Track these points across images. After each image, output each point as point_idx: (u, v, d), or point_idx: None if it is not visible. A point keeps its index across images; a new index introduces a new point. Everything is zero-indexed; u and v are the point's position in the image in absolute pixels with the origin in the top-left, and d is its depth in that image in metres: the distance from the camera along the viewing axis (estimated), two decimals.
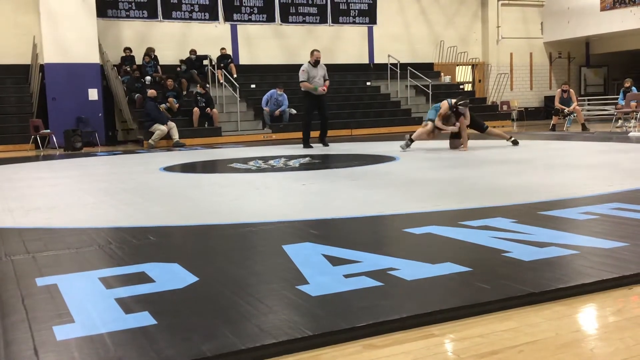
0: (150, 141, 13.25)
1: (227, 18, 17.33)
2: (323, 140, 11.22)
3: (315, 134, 11.24)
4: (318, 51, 11.17)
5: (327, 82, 11.15)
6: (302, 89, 11.04)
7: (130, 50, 15.78)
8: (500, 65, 21.02)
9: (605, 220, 3.44)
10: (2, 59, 15.00)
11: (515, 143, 9.34)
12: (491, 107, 18.72)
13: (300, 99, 16.42)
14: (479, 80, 21.13)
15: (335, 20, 18.59)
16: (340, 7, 18.60)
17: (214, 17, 17.14)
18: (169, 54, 16.42)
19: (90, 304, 2.23)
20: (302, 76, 10.91)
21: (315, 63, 10.94)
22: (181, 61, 16.19)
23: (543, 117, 20.43)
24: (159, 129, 13.32)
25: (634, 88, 14.83)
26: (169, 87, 14.82)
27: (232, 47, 17.39)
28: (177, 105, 14.70)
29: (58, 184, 6.54)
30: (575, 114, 14.04)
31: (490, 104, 19.15)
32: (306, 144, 10.97)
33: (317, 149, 10.45)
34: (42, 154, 12.56)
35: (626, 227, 3.24)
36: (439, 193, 4.80)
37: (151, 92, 13.78)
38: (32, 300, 2.30)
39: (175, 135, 13.53)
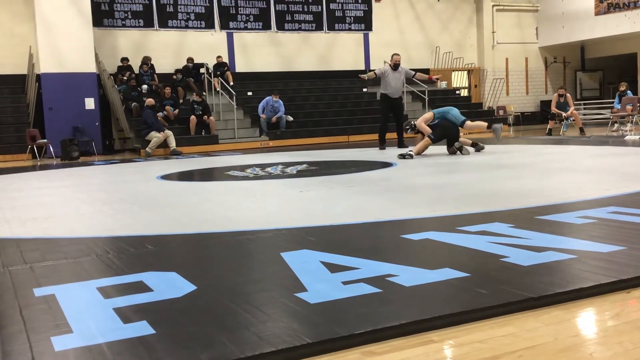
0: (147, 149, 13.25)
1: (223, 26, 17.38)
2: (400, 142, 11.29)
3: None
4: (398, 55, 11.51)
5: (419, 74, 11.49)
6: (381, 89, 11.33)
7: (128, 61, 15.80)
8: (496, 71, 21.09)
9: (602, 224, 3.45)
10: None
11: (477, 147, 9.03)
12: (487, 112, 18.77)
13: (297, 106, 16.57)
14: (475, 86, 21.20)
15: (330, 27, 18.65)
16: (336, 14, 18.66)
17: (210, 26, 17.18)
18: (166, 63, 16.45)
19: (88, 314, 2.22)
20: (377, 70, 11.25)
21: (395, 66, 11.15)
22: (177, 70, 16.22)
23: (539, 121, 20.49)
24: (155, 136, 13.33)
25: (629, 92, 14.88)
26: (167, 95, 14.84)
27: (228, 55, 17.43)
28: (174, 113, 14.72)
29: (55, 193, 6.53)
30: (572, 119, 14.08)
31: (486, 109, 19.21)
32: (381, 144, 11.22)
33: (314, 156, 10.46)
34: (39, 163, 12.55)
35: (623, 230, 3.24)
36: (436, 199, 4.80)
37: (149, 101, 13.79)
38: (30, 310, 2.30)
39: (172, 143, 13.54)
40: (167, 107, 14.65)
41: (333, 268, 2.68)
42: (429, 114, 9.41)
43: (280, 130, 15.40)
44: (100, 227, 4.22)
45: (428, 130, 9.07)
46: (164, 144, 13.55)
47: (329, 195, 5.33)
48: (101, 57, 15.39)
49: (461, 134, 9.58)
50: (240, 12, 17.51)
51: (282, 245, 3.30)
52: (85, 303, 2.37)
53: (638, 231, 3.20)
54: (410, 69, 11.86)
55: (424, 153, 9.27)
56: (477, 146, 9.26)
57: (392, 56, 11.43)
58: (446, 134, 9.12)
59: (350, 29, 18.92)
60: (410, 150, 8.93)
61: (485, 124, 9.56)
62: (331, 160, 9.55)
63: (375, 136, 15.59)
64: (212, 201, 5.38)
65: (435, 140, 9.06)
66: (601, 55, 21.54)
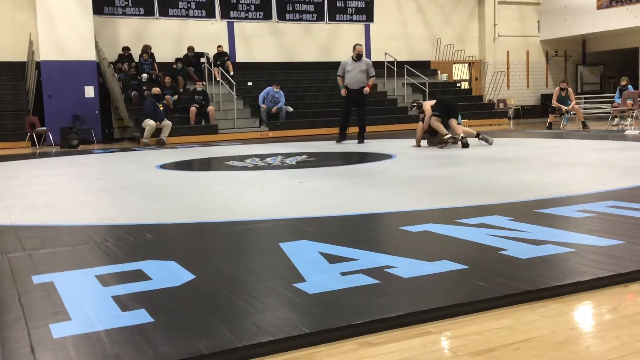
0: (143, 139, 13.19)
1: (224, 15, 17.31)
2: (360, 137, 11.16)
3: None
4: (360, 45, 11.25)
5: (372, 79, 11.10)
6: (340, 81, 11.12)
7: (129, 49, 15.75)
8: (497, 63, 21.04)
9: (601, 218, 3.45)
10: None
11: (460, 143, 8.79)
12: (488, 105, 18.74)
13: (298, 97, 16.54)
14: (476, 78, 21.15)
15: (332, 18, 18.58)
16: (337, 5, 18.59)
17: (210, 15, 17.12)
18: (166, 52, 16.39)
19: (86, 301, 2.22)
20: (338, 70, 11.03)
21: (357, 57, 10.90)
22: (177, 59, 16.17)
23: (539, 115, 20.47)
24: (148, 124, 13.24)
25: (630, 86, 14.86)
26: (167, 85, 14.80)
27: (229, 44, 17.37)
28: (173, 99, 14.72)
29: (54, 181, 6.52)
30: (573, 113, 14.06)
31: (487, 102, 19.18)
32: (340, 138, 11.05)
33: (313, 147, 10.45)
34: (38, 151, 12.53)
35: (622, 225, 3.24)
36: (435, 191, 4.80)
37: (155, 90, 13.72)
38: (28, 298, 2.30)
39: (165, 133, 13.43)
40: (167, 97, 14.62)
41: (332, 259, 2.68)
42: (434, 101, 9.55)
43: (280, 120, 15.37)
44: (100, 216, 4.22)
45: (430, 111, 9.15)
46: (159, 133, 13.44)
47: (328, 186, 5.33)
48: (101, 45, 15.34)
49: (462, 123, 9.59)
50: (241, 2, 17.44)
51: (281, 236, 3.30)
52: (84, 291, 2.37)
53: (637, 225, 3.21)
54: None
55: (423, 145, 9.32)
56: (481, 138, 9.21)
57: (355, 46, 11.14)
58: (448, 106, 9.19)
59: (351, 20, 18.85)
60: (448, 136, 8.90)
61: (475, 132, 9.49)
62: (331, 152, 9.54)
63: (374, 128, 15.64)
64: (211, 191, 5.38)
65: (440, 115, 9.02)
66: (602, 50, 21.49)
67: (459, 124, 9.16)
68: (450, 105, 9.33)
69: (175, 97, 14.76)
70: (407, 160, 7.48)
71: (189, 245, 3.30)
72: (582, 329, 1.96)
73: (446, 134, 8.90)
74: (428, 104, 9.37)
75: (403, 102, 17.56)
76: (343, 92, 10.95)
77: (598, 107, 19.43)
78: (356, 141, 11.04)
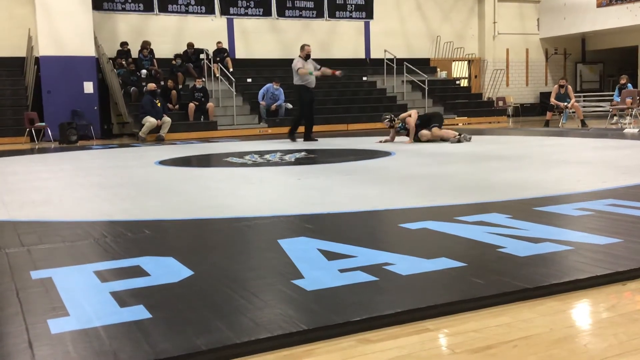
0: (140, 134, 13.19)
1: (224, 12, 17.28)
2: (309, 134, 11.19)
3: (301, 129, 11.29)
4: (309, 45, 11.22)
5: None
6: (297, 80, 10.95)
7: (127, 44, 15.72)
8: (497, 61, 21.03)
9: (599, 216, 3.45)
10: None
11: (459, 141, 9.22)
12: (487, 103, 18.75)
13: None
14: (475, 76, 21.14)
15: (331, 15, 18.56)
16: (337, 2, 18.57)
17: (210, 11, 17.08)
18: (165, 48, 16.36)
19: (85, 297, 2.22)
20: (299, 64, 10.86)
21: (306, 57, 10.90)
22: (176, 55, 16.14)
23: (538, 113, 20.48)
24: (148, 121, 13.24)
25: (629, 85, 14.86)
26: (170, 87, 14.79)
27: (229, 41, 17.35)
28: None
29: (53, 177, 6.52)
30: (573, 110, 14.06)
31: (486, 100, 19.18)
32: (291, 136, 11.03)
33: (314, 144, 10.44)
34: (37, 147, 12.52)
35: (620, 223, 3.25)
36: (434, 188, 4.80)
37: (150, 86, 13.70)
38: (26, 293, 2.30)
39: (164, 130, 13.44)
40: (174, 92, 14.62)
41: (330, 256, 2.68)
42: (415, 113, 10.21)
43: (279, 117, 15.36)
44: (98, 212, 4.22)
45: (412, 123, 9.88)
46: (158, 129, 13.45)
47: (327, 183, 5.33)
48: (100, 40, 15.31)
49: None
50: None
51: (280, 233, 3.30)
52: (82, 286, 2.37)
53: (635, 224, 3.21)
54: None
55: (424, 142, 9.44)
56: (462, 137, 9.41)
57: (304, 47, 11.09)
58: (427, 117, 10.15)
59: (351, 17, 18.83)
60: (461, 135, 9.37)
61: (455, 133, 9.68)
62: (330, 149, 9.54)
63: (374, 125, 15.63)
64: (210, 187, 5.38)
65: (422, 124, 9.85)
66: (602, 48, 21.49)
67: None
68: (429, 116, 10.25)
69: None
70: (406, 158, 7.48)
71: (187, 242, 3.30)
72: (580, 327, 1.96)
73: (455, 135, 9.44)
74: (412, 120, 9.94)
75: (402, 99, 17.57)
76: (317, 73, 10.99)
77: (597, 105, 19.44)
78: (302, 140, 11.07)
